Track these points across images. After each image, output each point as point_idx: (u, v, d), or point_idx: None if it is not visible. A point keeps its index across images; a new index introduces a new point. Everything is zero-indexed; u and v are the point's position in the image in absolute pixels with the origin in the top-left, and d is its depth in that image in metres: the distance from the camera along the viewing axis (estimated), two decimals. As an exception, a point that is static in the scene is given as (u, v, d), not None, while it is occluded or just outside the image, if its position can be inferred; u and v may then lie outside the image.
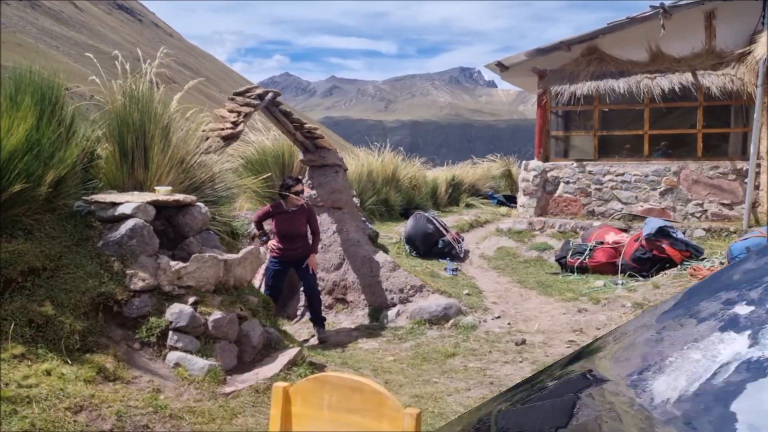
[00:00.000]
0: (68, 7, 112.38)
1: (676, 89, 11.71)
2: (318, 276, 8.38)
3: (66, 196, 4.59)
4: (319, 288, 8.33)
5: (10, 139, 4.02)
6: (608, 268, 9.49)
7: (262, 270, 7.32)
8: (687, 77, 11.71)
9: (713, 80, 11.49)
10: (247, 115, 7.00)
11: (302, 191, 7.25)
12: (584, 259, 9.70)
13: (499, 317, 7.61)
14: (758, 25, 11.51)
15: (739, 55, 11.54)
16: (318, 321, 7.28)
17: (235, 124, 6.77)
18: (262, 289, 7.04)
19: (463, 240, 11.11)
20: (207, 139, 6.07)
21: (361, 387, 1.89)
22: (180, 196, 4.93)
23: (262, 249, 6.62)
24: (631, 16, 12.11)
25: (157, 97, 5.47)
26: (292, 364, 4.75)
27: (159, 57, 5.87)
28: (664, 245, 9.00)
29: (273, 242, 7.27)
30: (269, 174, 8.82)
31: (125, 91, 5.33)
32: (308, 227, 7.31)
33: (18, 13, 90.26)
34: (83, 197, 4.68)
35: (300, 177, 7.50)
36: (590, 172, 12.54)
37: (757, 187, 11.08)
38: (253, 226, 7.70)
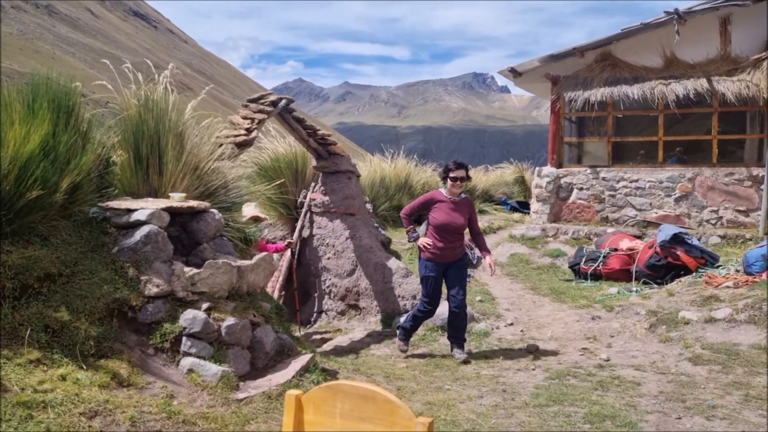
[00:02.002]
0: (85, 14, 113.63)
1: (691, 95, 11.64)
2: (331, 282, 8.40)
3: (82, 203, 4.63)
4: (332, 294, 8.34)
5: (26, 146, 4.07)
6: (622, 275, 9.43)
7: (272, 277, 7.32)
8: (702, 83, 11.63)
9: (728, 86, 11.41)
10: (260, 122, 7.03)
11: (464, 178, 6.29)
12: (598, 265, 9.65)
13: (512, 324, 7.58)
14: (774, 31, 11.43)
15: (754, 60, 11.47)
16: (460, 340, 6.37)
17: (249, 130, 6.81)
18: (416, 307, 6.53)
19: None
20: (221, 145, 6.10)
21: (374, 396, 1.89)
22: (194, 203, 4.96)
23: (417, 242, 6.26)
24: (645, 22, 12.06)
25: (171, 103, 5.51)
26: (305, 370, 4.76)
27: (171, 68, 5.91)
28: (678, 252, 8.94)
29: (427, 239, 6.27)
30: (282, 180, 8.85)
31: (140, 98, 5.38)
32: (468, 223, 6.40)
33: (35, 20, 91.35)
34: (98, 204, 4.72)
35: (461, 162, 6.47)
36: (604, 179, 12.49)
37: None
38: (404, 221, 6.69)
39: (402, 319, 6.74)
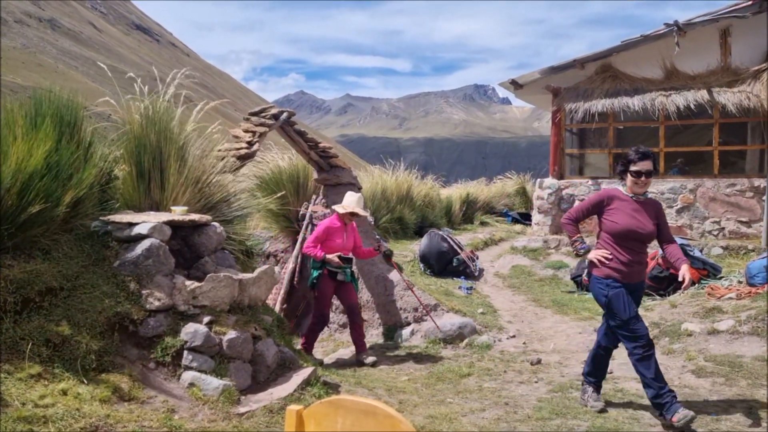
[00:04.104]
0: (87, 28, 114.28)
1: (692, 106, 11.66)
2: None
3: (83, 217, 4.64)
4: (334, 307, 8.32)
5: (29, 161, 4.08)
6: (624, 287, 9.39)
7: (274, 290, 7.27)
8: (702, 94, 11.66)
9: (729, 97, 11.43)
10: (262, 135, 7.06)
11: (651, 172, 4.72)
12: (600, 277, 9.61)
13: (514, 336, 7.56)
14: (774, 42, 11.47)
15: (755, 71, 11.50)
16: (668, 401, 4.52)
17: (250, 143, 6.84)
18: (595, 345, 5.00)
19: (477, 258, 11.08)
20: (222, 158, 6.12)
21: (375, 411, 1.89)
22: (195, 216, 4.97)
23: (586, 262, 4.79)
24: (645, 34, 12.11)
25: (175, 117, 5.54)
26: (306, 383, 4.75)
27: (179, 77, 5.94)
28: (681, 263, 8.90)
29: (603, 251, 4.69)
30: (283, 192, 8.86)
31: (143, 111, 5.40)
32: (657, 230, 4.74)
33: (38, 34, 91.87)
34: (100, 217, 4.73)
35: (645, 150, 4.75)
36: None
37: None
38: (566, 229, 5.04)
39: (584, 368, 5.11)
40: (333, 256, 6.70)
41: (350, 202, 6.97)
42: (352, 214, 6.96)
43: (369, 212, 9.79)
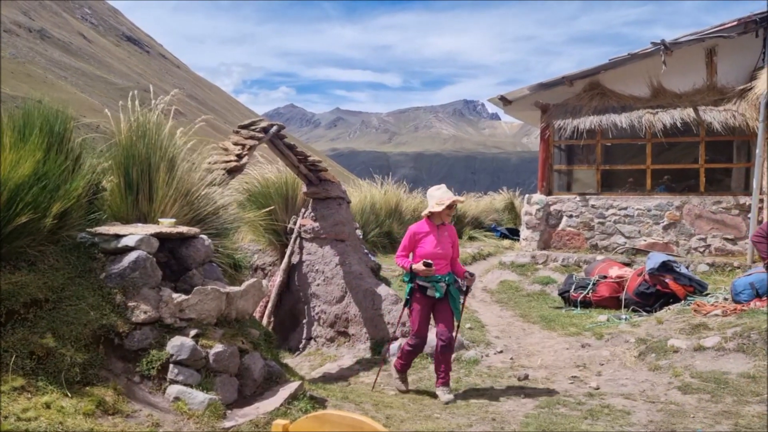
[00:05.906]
0: (77, 38, 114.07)
1: (678, 124, 11.79)
2: (320, 308, 8.36)
3: (70, 228, 4.60)
4: (321, 321, 8.29)
5: (17, 172, 4.06)
6: (611, 303, 9.44)
7: (261, 303, 7.21)
8: (689, 112, 11.80)
9: (715, 116, 11.57)
10: (251, 148, 7.05)
11: None
12: (587, 293, 9.66)
13: (501, 352, 7.56)
14: (759, 62, 11.65)
15: (740, 91, 11.65)
16: None
17: (240, 156, 6.83)
18: None
19: (465, 273, 11.09)
20: (211, 171, 6.11)
21: (361, 426, 1.88)
22: (183, 229, 4.95)
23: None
24: (632, 52, 12.25)
25: (165, 129, 5.53)
26: (293, 398, 4.71)
27: (171, 95, 5.94)
28: (667, 280, 8.97)
29: None
30: (272, 207, 8.85)
31: (132, 123, 5.39)
32: None
33: (28, 44, 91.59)
34: (87, 229, 4.70)
35: None
36: (593, 206, 12.57)
37: (760, 222, 11.07)
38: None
39: None
40: (419, 264, 5.70)
41: (439, 196, 5.82)
42: (450, 208, 5.79)
43: (358, 226, 9.77)
